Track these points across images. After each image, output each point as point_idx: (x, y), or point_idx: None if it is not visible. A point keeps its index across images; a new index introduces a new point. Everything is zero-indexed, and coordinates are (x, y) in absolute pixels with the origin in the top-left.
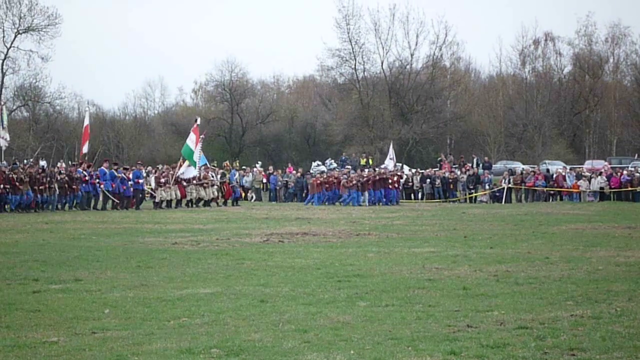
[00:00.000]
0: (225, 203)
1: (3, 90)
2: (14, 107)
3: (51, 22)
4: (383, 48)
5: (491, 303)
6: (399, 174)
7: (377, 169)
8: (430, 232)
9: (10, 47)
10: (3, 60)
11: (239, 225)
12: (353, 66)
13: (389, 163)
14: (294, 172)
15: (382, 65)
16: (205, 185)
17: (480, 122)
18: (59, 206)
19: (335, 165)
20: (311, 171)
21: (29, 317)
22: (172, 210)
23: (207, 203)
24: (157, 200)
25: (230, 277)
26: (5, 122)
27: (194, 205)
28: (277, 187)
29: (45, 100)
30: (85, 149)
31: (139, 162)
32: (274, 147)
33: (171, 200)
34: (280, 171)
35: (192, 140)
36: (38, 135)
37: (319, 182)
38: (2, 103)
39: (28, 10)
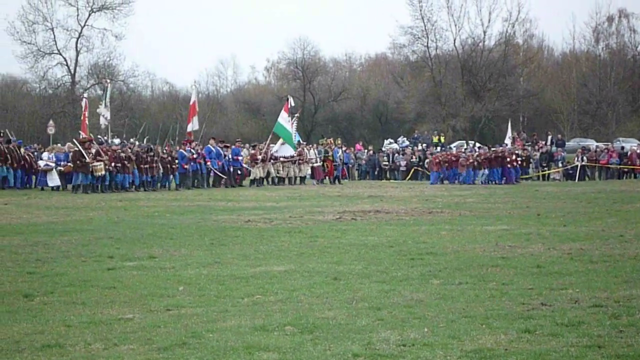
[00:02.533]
0: (331, 181)
1: (77, 68)
2: (88, 86)
3: (125, 0)
4: (455, 25)
5: (565, 281)
6: (516, 152)
7: (494, 147)
8: (503, 210)
9: (85, 25)
10: (77, 39)
11: (312, 203)
12: (425, 44)
13: (508, 141)
14: (363, 149)
15: (454, 43)
16: (300, 162)
17: (553, 100)
18: (165, 185)
19: (407, 143)
20: (383, 149)
21: (104, 294)
22: (265, 187)
23: (301, 180)
24: (251, 177)
25: (304, 255)
26: (107, 100)
27: (290, 183)
28: (350, 165)
29: (118, 79)
30: (190, 127)
31: (239, 140)
32: (346, 125)
33: (266, 177)
34: (352, 149)
35: (284, 119)
36: (112, 113)
37: (437, 160)
38: (107, 81)
39: None
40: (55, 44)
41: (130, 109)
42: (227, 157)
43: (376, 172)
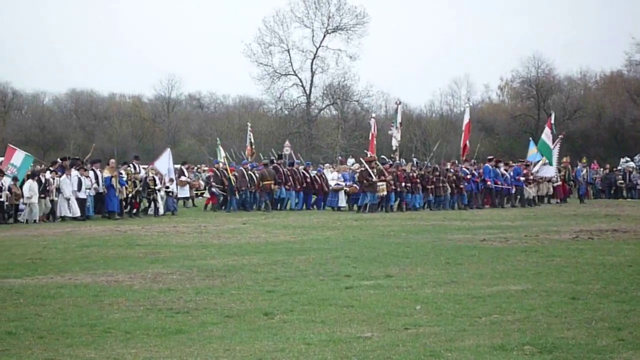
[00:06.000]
0: (563, 200)
1: (312, 89)
2: (323, 106)
3: (359, 21)
4: None
5: None
6: None
7: None
8: None
9: (320, 46)
10: (312, 60)
11: (547, 222)
12: None
13: None
14: (599, 168)
15: None
16: (540, 181)
17: None
18: (451, 205)
19: None
20: (619, 167)
21: (342, 312)
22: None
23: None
24: (526, 196)
25: (540, 274)
26: (398, 122)
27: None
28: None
29: (353, 99)
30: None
31: (521, 160)
32: (581, 144)
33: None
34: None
35: (547, 136)
36: (346, 133)
37: None
38: (399, 102)
39: (337, 10)
40: (291, 65)
41: (364, 129)
42: (504, 177)
43: (612, 191)
